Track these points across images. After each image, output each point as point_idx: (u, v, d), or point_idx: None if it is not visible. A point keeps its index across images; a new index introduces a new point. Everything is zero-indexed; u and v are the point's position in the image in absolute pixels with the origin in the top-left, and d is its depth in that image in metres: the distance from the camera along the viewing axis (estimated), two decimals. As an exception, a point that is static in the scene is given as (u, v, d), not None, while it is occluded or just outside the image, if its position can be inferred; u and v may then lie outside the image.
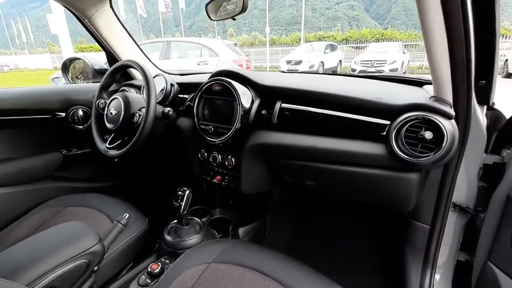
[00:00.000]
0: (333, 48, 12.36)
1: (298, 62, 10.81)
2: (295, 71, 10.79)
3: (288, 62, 11.11)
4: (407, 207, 0.84)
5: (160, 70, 1.55)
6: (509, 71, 9.63)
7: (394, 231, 1.10)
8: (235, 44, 5.98)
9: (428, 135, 0.65)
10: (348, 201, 1.19)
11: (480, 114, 0.74)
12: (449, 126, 0.65)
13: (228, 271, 0.71)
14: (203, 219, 1.09)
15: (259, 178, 1.07)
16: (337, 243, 1.35)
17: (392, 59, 10.17)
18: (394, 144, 0.70)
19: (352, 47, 16.72)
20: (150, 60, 1.50)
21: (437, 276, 0.91)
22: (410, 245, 0.97)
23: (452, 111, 0.67)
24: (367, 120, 0.79)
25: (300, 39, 20.66)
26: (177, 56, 5.65)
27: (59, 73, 1.84)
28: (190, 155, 1.16)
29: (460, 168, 0.77)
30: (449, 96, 0.69)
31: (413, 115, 0.68)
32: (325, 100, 0.87)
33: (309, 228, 1.44)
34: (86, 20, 1.18)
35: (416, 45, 15.00)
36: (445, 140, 0.64)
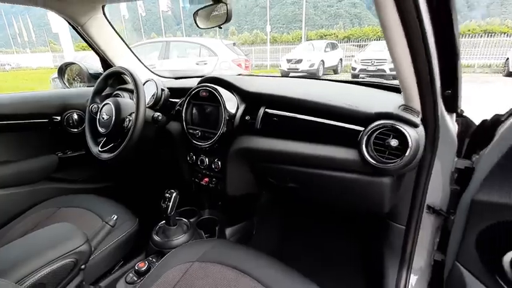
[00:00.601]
0: (333, 46, 12.34)
1: (299, 61, 10.81)
2: (296, 70, 10.82)
3: (289, 61, 11.12)
4: (382, 209, 0.88)
5: (153, 73, 1.59)
6: (510, 70, 9.60)
7: (375, 233, 1.14)
8: (234, 44, 5.99)
9: (394, 142, 0.69)
10: (329, 204, 1.22)
11: (449, 121, 0.77)
12: (414, 134, 0.69)
13: (210, 270, 0.75)
14: (191, 220, 1.14)
15: (244, 180, 1.12)
16: (321, 245, 1.39)
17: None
18: (364, 150, 0.74)
19: (354, 45, 16.67)
20: (143, 64, 1.54)
21: (413, 275, 0.95)
22: (388, 245, 1.00)
23: (417, 120, 0.70)
24: (344, 126, 0.83)
25: (301, 37, 20.62)
26: (176, 56, 5.69)
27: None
28: (180, 158, 1.21)
29: (432, 172, 0.80)
30: (418, 104, 0.72)
31: (382, 123, 0.72)
32: (305, 106, 0.91)
33: (295, 229, 1.48)
34: (79, 28, 1.22)
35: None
36: (409, 147, 0.68)
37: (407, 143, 0.68)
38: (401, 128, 0.69)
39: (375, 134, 0.73)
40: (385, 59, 10.07)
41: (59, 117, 1.29)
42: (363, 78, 9.98)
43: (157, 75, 1.62)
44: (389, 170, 0.73)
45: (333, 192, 0.99)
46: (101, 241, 0.82)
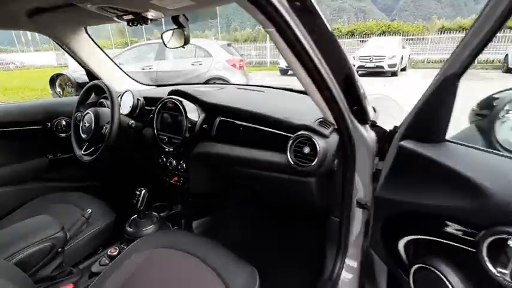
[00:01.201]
0: (333, 43, 12.31)
1: (297, 59, 10.85)
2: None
3: (287, 59, 11.16)
4: (314, 204, 1.04)
5: (136, 82, 1.76)
6: (509, 66, 9.55)
7: (318, 226, 1.29)
8: (229, 44, 6.11)
9: (306, 150, 0.85)
10: (275, 203, 1.38)
11: (363, 130, 0.92)
12: (323, 144, 0.85)
13: (170, 255, 0.92)
14: (161, 214, 1.31)
15: (205, 179, 1.28)
16: (275, 238, 1.53)
17: (391, 54, 10.15)
18: (288, 155, 0.90)
19: (358, 41, 16.50)
20: (126, 73, 1.71)
21: (350, 262, 1.10)
22: (328, 236, 1.16)
23: (328, 132, 0.86)
24: (281, 134, 0.99)
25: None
26: (172, 57, 5.83)
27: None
28: (153, 159, 1.37)
29: (355, 172, 0.95)
30: (332, 118, 0.88)
31: (301, 134, 0.88)
32: (252, 116, 1.07)
33: (253, 224, 1.63)
34: (64, 46, 1.38)
35: (422, 38, 14.89)
36: (318, 154, 0.84)
37: (317, 150, 0.84)
38: (313, 139, 0.84)
39: (295, 142, 0.89)
40: (384, 56, 10.05)
41: (49, 124, 1.47)
42: (362, 75, 10.01)
43: (141, 83, 1.79)
44: (306, 172, 0.89)
45: (276, 191, 1.15)
46: (77, 230, 0.99)
